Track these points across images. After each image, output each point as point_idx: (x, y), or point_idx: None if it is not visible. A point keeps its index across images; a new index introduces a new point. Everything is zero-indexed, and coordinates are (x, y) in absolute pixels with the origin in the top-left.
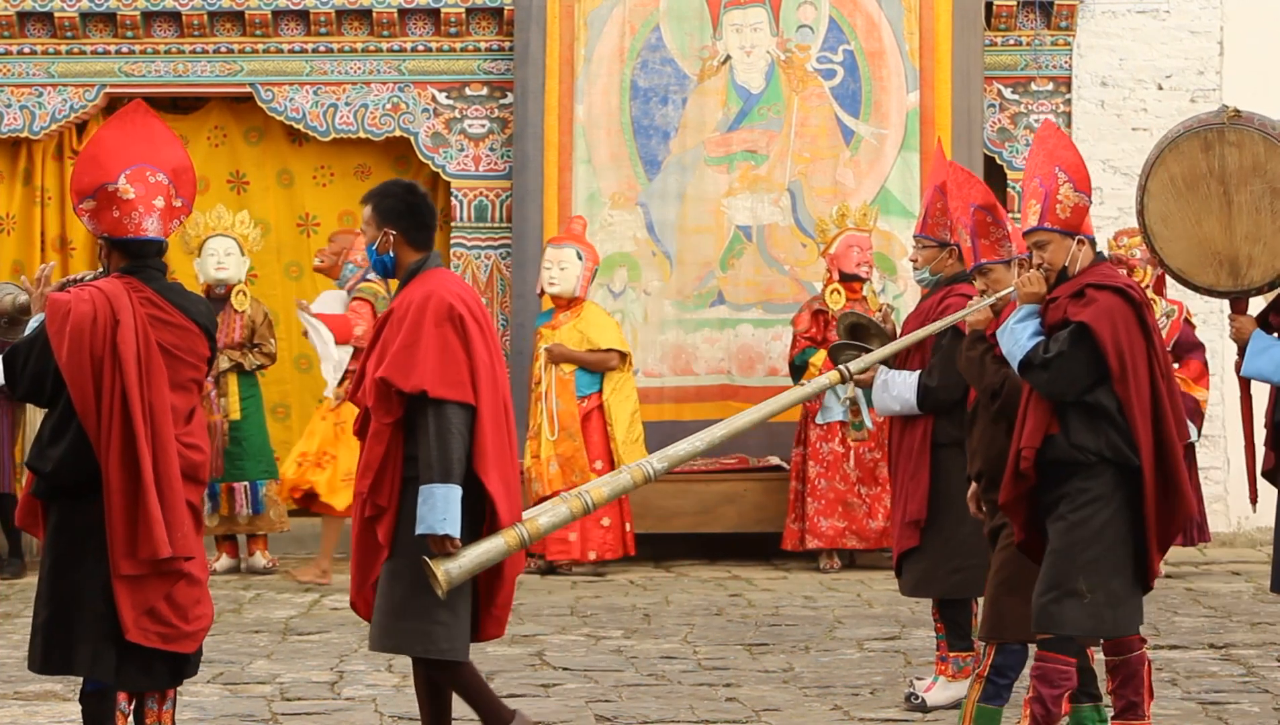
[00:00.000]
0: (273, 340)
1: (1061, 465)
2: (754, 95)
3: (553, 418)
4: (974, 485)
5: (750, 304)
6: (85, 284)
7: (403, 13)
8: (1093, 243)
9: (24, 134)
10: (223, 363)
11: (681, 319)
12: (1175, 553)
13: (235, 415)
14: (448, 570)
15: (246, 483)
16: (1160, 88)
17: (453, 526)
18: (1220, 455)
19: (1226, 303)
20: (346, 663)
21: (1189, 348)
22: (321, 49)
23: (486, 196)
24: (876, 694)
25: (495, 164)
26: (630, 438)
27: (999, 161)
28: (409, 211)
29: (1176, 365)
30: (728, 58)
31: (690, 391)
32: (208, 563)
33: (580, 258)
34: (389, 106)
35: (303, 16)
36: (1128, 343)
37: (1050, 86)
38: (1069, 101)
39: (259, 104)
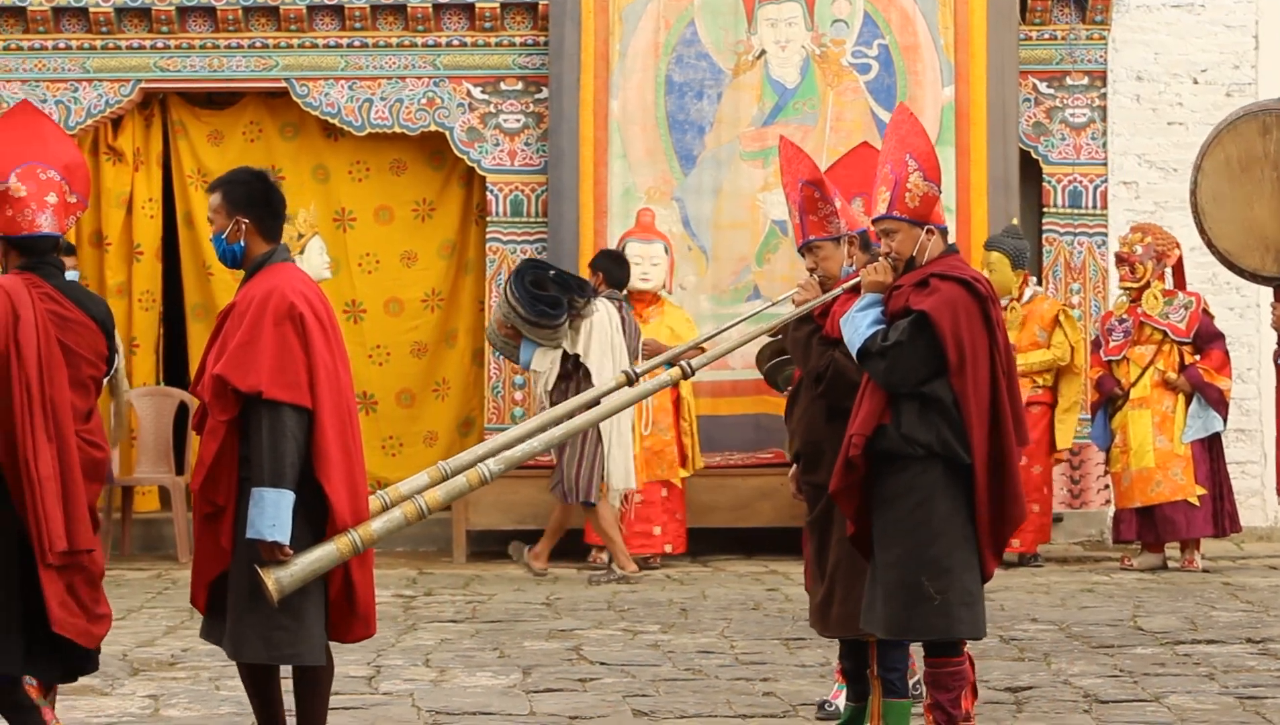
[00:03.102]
0: None
1: (892, 457)
2: (789, 90)
3: (644, 412)
4: (794, 467)
5: (786, 299)
6: None
7: (437, 7)
8: (944, 233)
9: None
10: None
11: (717, 313)
12: (1212, 547)
13: None
14: (278, 579)
15: None
16: (1195, 82)
17: (282, 533)
18: (1257, 449)
19: (1267, 293)
20: (384, 657)
21: (1209, 338)
22: (356, 44)
23: (522, 191)
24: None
25: (530, 159)
26: (694, 431)
27: (1034, 156)
28: (262, 200)
29: (1198, 356)
30: (762, 52)
31: (726, 386)
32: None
33: (666, 252)
34: (424, 101)
35: (338, 11)
36: (969, 335)
37: (1085, 81)
38: (1104, 96)
39: (294, 99)
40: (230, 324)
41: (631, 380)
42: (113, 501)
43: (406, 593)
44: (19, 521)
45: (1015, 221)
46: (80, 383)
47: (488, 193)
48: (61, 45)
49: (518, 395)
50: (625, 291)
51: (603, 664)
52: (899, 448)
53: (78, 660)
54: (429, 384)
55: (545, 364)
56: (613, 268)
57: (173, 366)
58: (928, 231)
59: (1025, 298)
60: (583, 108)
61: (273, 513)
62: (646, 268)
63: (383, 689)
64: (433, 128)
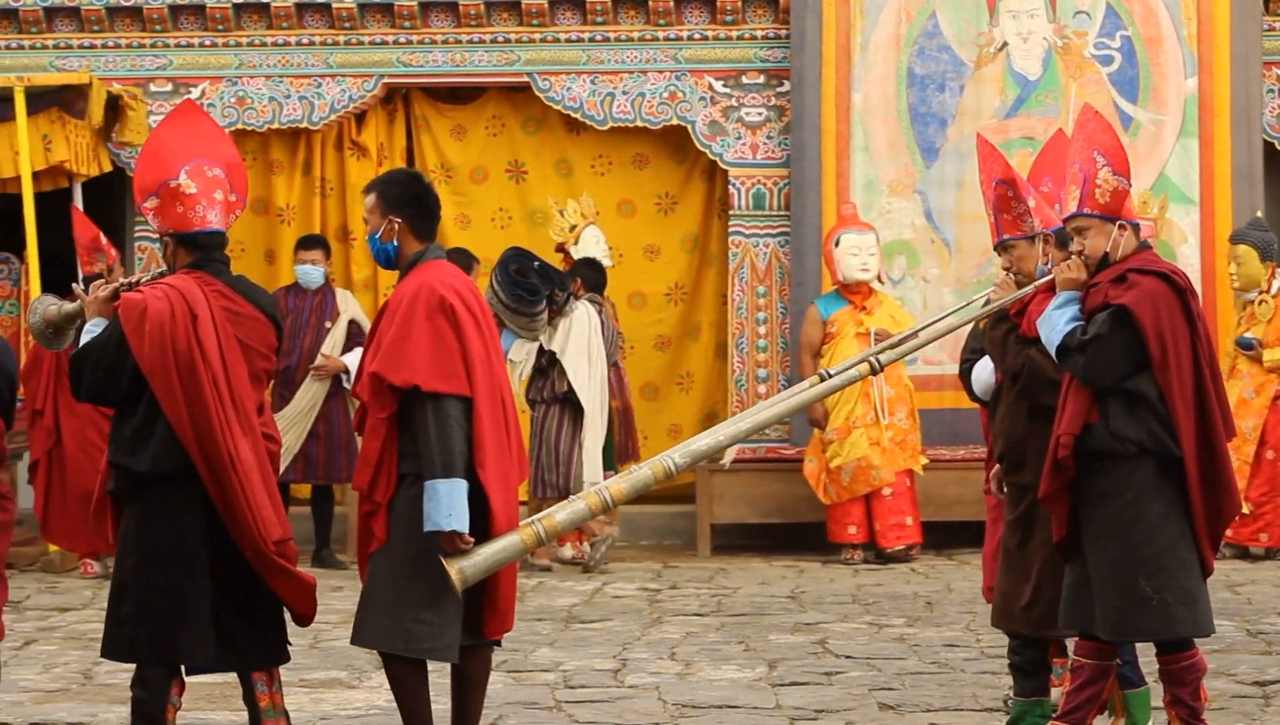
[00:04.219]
0: None
1: (1101, 455)
2: (1031, 82)
3: (883, 404)
4: (996, 466)
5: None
6: (157, 282)
7: (679, 1)
8: (1136, 229)
9: (303, 124)
10: None
11: None
12: None
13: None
14: (461, 569)
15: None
16: None
17: (460, 522)
18: None
19: None
20: (629, 650)
21: None
22: (598, 38)
23: (764, 184)
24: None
25: (773, 152)
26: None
27: (1278, 147)
28: (415, 200)
29: None
30: (1004, 44)
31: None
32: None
33: (878, 242)
34: (666, 95)
35: (579, 5)
36: (1170, 328)
37: None
38: None
39: (536, 93)
40: (384, 322)
41: (824, 379)
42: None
43: (651, 586)
44: (206, 516)
45: (1260, 214)
46: (255, 376)
47: (730, 186)
48: (305, 41)
49: (761, 389)
50: (604, 295)
51: (848, 657)
52: (1109, 446)
53: (276, 650)
54: (673, 377)
55: (521, 355)
56: (590, 273)
57: None
58: (1120, 227)
59: (1275, 290)
60: (824, 101)
61: (448, 503)
62: (864, 258)
63: (629, 682)
64: (674, 122)
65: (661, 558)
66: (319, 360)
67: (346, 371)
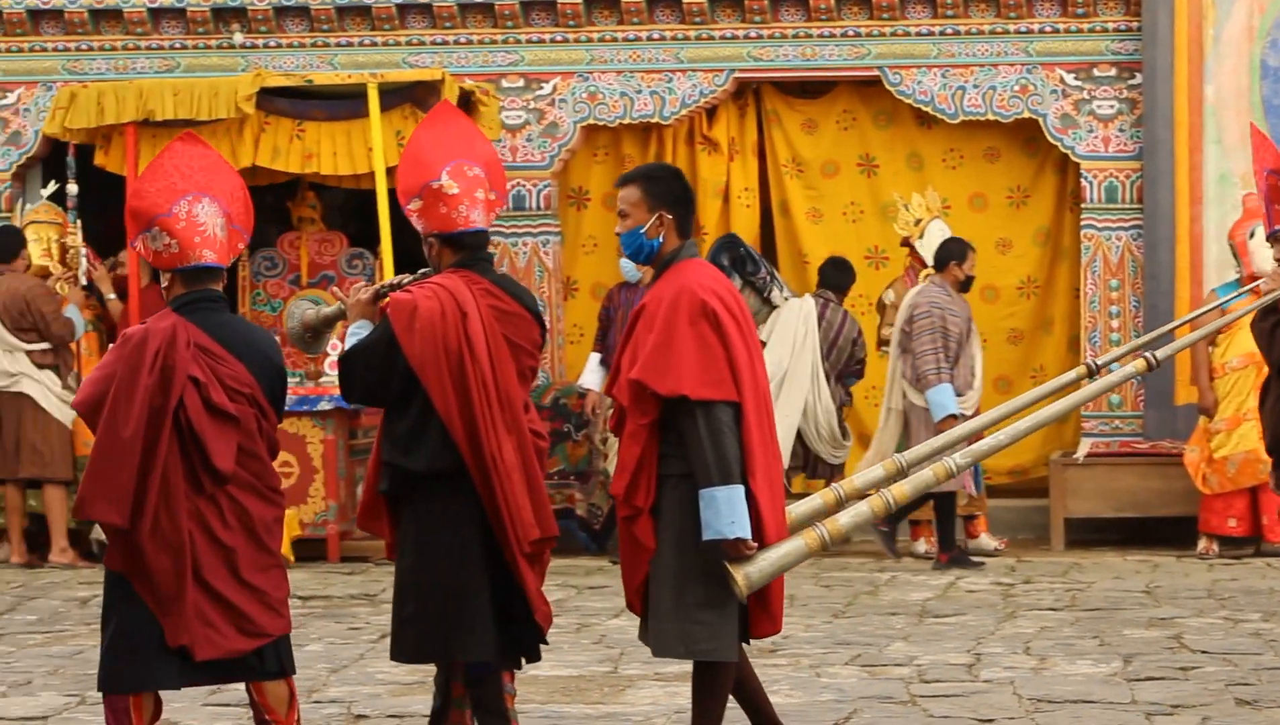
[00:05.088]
0: None
1: None
2: None
3: None
4: (1271, 460)
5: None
6: (424, 281)
7: None
8: None
9: (654, 119)
10: None
11: None
12: None
13: None
14: (748, 574)
15: None
16: None
17: (742, 528)
18: None
19: None
20: (984, 645)
21: None
22: (949, 31)
23: (1116, 178)
24: None
25: (1125, 145)
26: None
27: None
28: (682, 196)
29: None
30: None
31: None
32: None
33: None
34: (1017, 88)
35: (929, 0)
36: None
37: None
38: None
39: (887, 87)
40: (642, 326)
41: (1092, 372)
42: None
43: (1005, 580)
44: (482, 514)
45: None
46: (521, 373)
47: (1082, 180)
48: (656, 36)
49: None
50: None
51: (1204, 652)
52: None
53: (531, 647)
54: (1025, 370)
55: None
56: (832, 272)
57: None
58: None
59: None
60: (1177, 94)
61: (728, 510)
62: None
63: (983, 676)
64: (1025, 115)
65: (1015, 552)
66: None
67: None
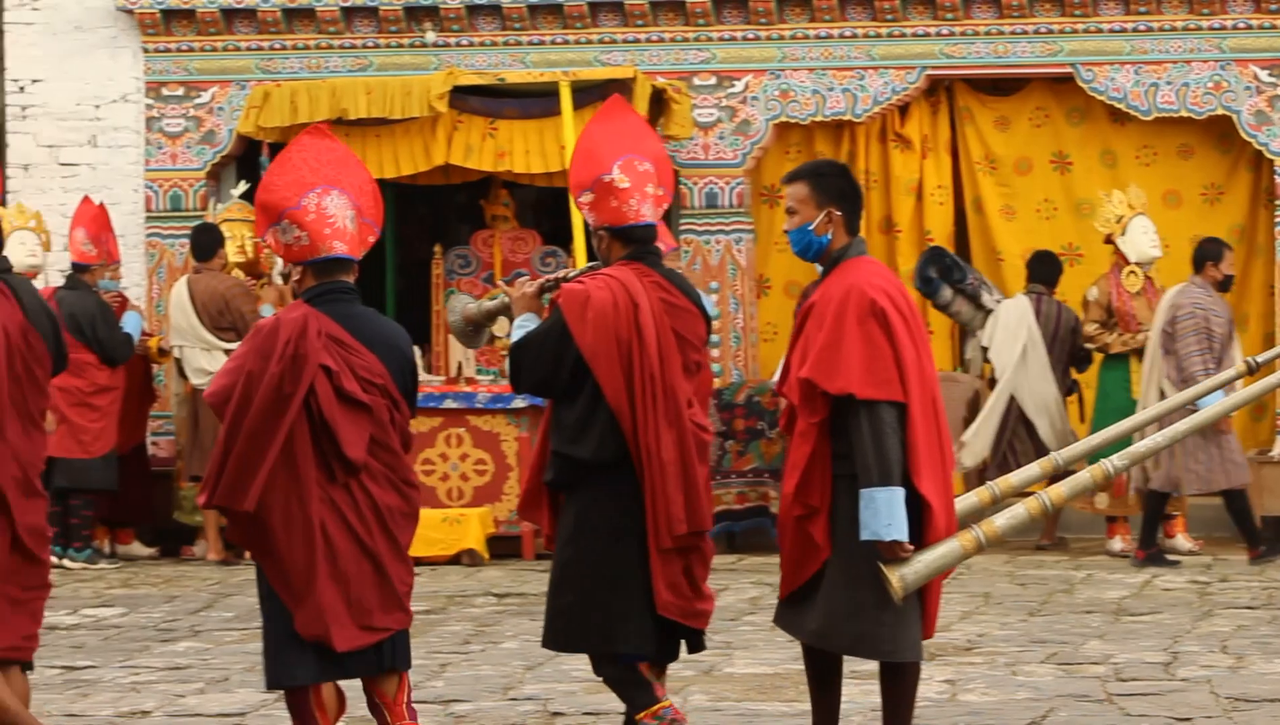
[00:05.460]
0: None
1: None
2: None
3: None
4: None
5: None
6: (595, 273)
7: None
8: None
9: (846, 117)
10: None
11: None
12: None
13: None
14: (903, 576)
15: None
16: None
17: (899, 530)
18: None
19: None
20: (1180, 644)
21: None
22: (1141, 28)
23: None
24: None
25: None
26: None
27: None
28: (852, 193)
29: None
30: None
31: None
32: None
33: None
34: (1210, 85)
35: None
36: None
37: None
38: None
39: (1079, 84)
40: (811, 324)
41: (1252, 369)
42: None
43: (1201, 579)
44: (644, 505)
45: None
46: (686, 367)
47: (1276, 176)
48: (847, 34)
49: None
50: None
51: None
52: None
53: (691, 639)
54: None
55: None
56: (1039, 267)
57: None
58: None
59: None
60: None
61: (886, 512)
62: None
63: (1180, 675)
64: (1219, 111)
65: (1211, 550)
66: None
67: None
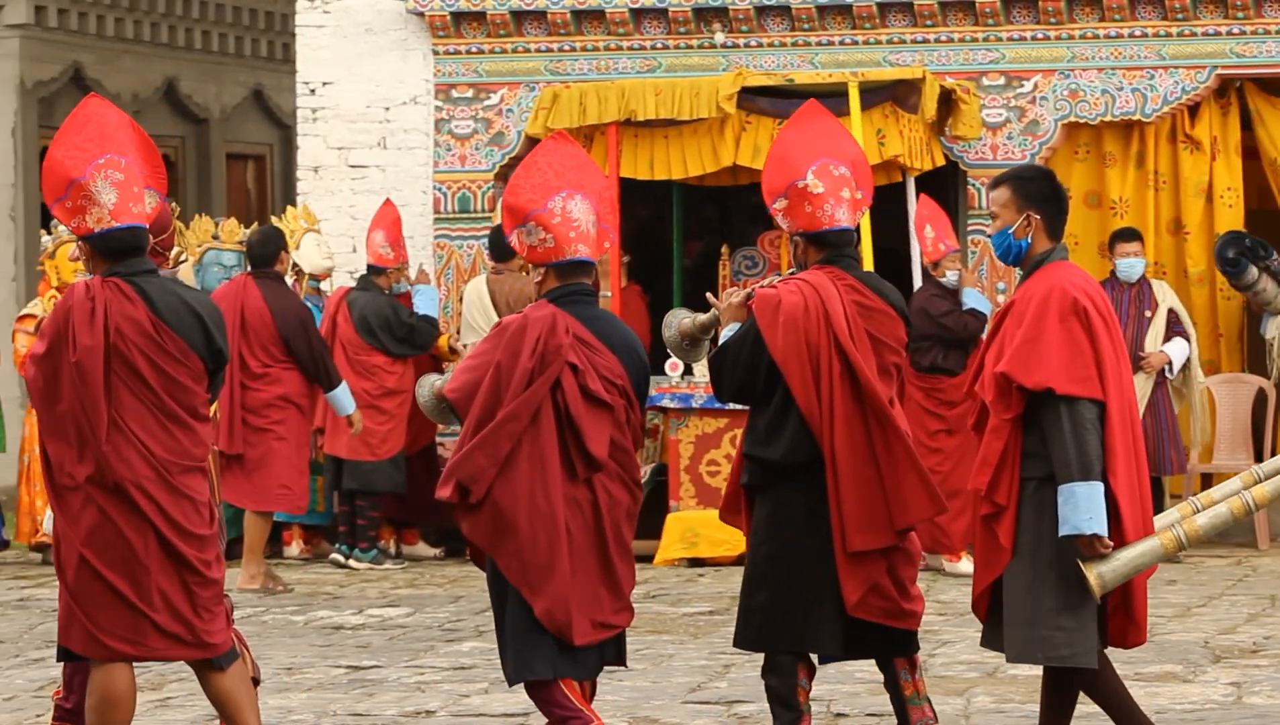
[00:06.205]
0: None
1: None
2: None
3: None
4: None
5: None
6: (789, 277)
7: None
8: None
9: (1135, 116)
10: None
11: None
12: None
13: None
14: (1100, 574)
15: None
16: None
17: (1099, 525)
18: None
19: None
20: None
21: None
22: None
23: None
24: None
25: None
26: None
27: None
28: (1052, 196)
29: None
30: None
31: None
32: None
33: None
34: None
35: None
36: None
37: None
38: None
39: None
40: (1010, 323)
41: None
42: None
43: None
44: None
45: None
46: (884, 369)
47: None
48: (1137, 33)
49: None
50: None
51: None
52: None
53: (897, 641)
54: None
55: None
56: None
57: (1255, 353)
58: None
59: None
60: None
61: (1086, 506)
62: None
63: None
64: None
65: None
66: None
67: (1169, 365)
